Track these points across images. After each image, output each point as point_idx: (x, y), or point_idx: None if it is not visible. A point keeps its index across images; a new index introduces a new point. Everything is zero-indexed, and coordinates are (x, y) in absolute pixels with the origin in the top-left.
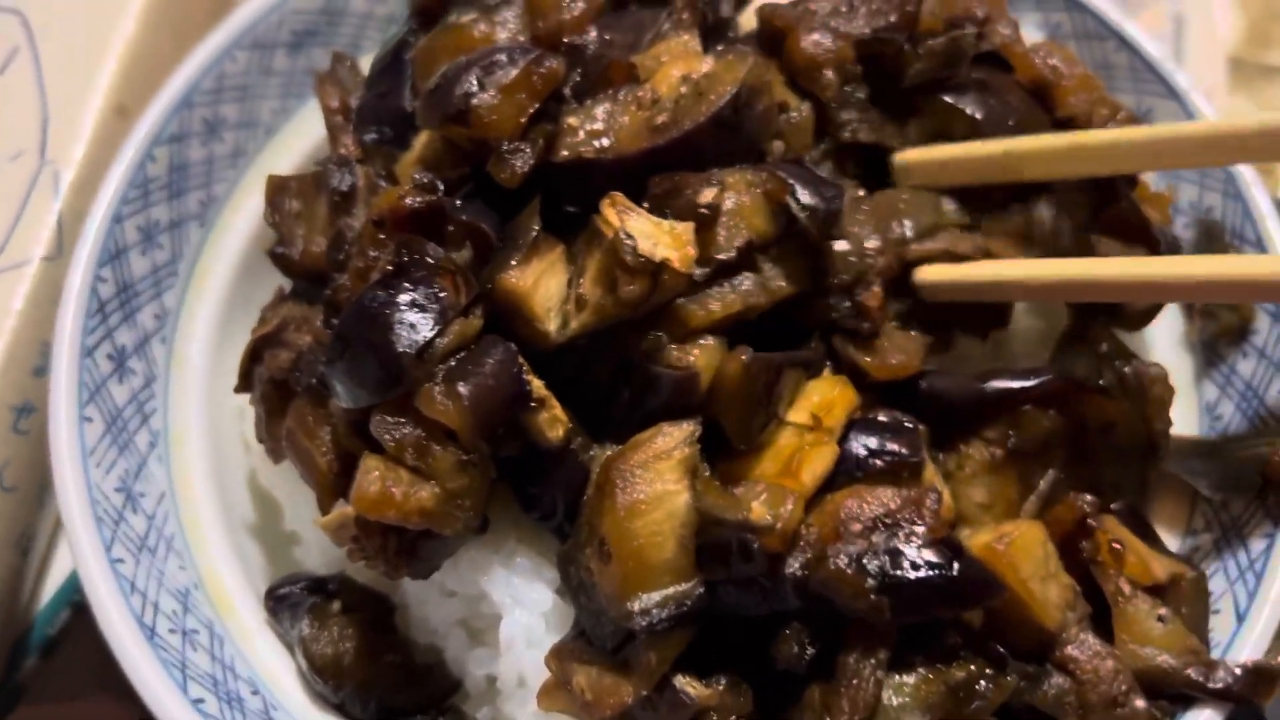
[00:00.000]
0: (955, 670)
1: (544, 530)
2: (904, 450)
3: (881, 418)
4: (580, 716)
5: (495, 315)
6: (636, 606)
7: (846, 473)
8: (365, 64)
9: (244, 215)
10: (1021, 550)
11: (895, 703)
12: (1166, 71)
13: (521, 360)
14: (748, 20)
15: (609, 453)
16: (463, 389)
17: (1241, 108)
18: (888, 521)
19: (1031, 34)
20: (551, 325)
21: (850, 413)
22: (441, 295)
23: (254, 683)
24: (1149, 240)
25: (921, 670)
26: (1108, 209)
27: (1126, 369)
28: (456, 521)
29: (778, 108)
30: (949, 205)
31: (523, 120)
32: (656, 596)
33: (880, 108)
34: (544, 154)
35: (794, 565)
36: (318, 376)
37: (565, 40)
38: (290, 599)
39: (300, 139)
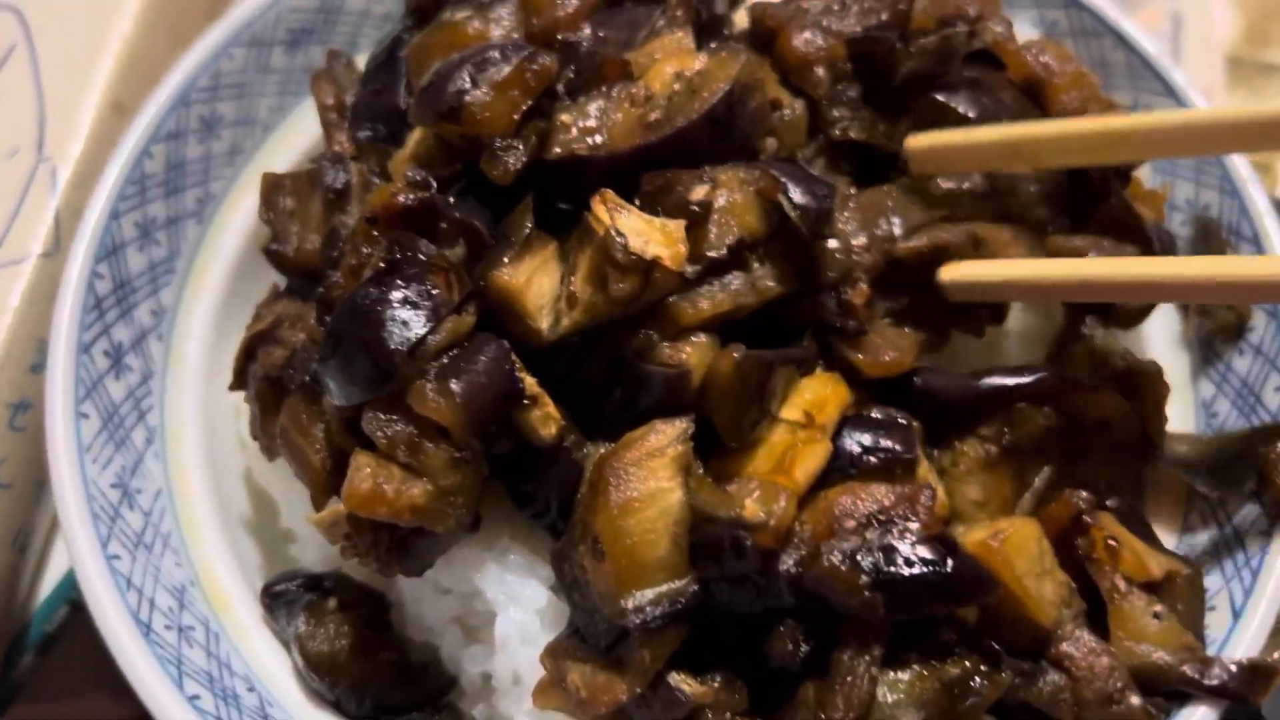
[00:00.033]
0: (950, 667)
1: (538, 528)
2: (898, 447)
3: (875, 415)
4: (575, 714)
5: (488, 313)
6: (630, 604)
7: (840, 470)
8: (362, 62)
9: (241, 213)
10: (1016, 547)
11: (890, 699)
12: (1163, 69)
13: (514, 357)
14: (741, 19)
15: (602, 451)
16: (455, 386)
17: (1238, 105)
18: (881, 518)
19: (1028, 31)
20: (544, 323)
21: (843, 410)
22: (434, 292)
23: (250, 679)
24: (1141, 238)
25: (916, 667)
26: (1099, 207)
27: (1122, 366)
28: (448, 519)
29: (770, 105)
30: (939, 200)
31: (515, 117)
32: (650, 594)
33: (873, 106)
34: (537, 151)
35: (788, 562)
36: (311, 374)
37: (559, 37)
38: (286, 596)
39: (297, 136)
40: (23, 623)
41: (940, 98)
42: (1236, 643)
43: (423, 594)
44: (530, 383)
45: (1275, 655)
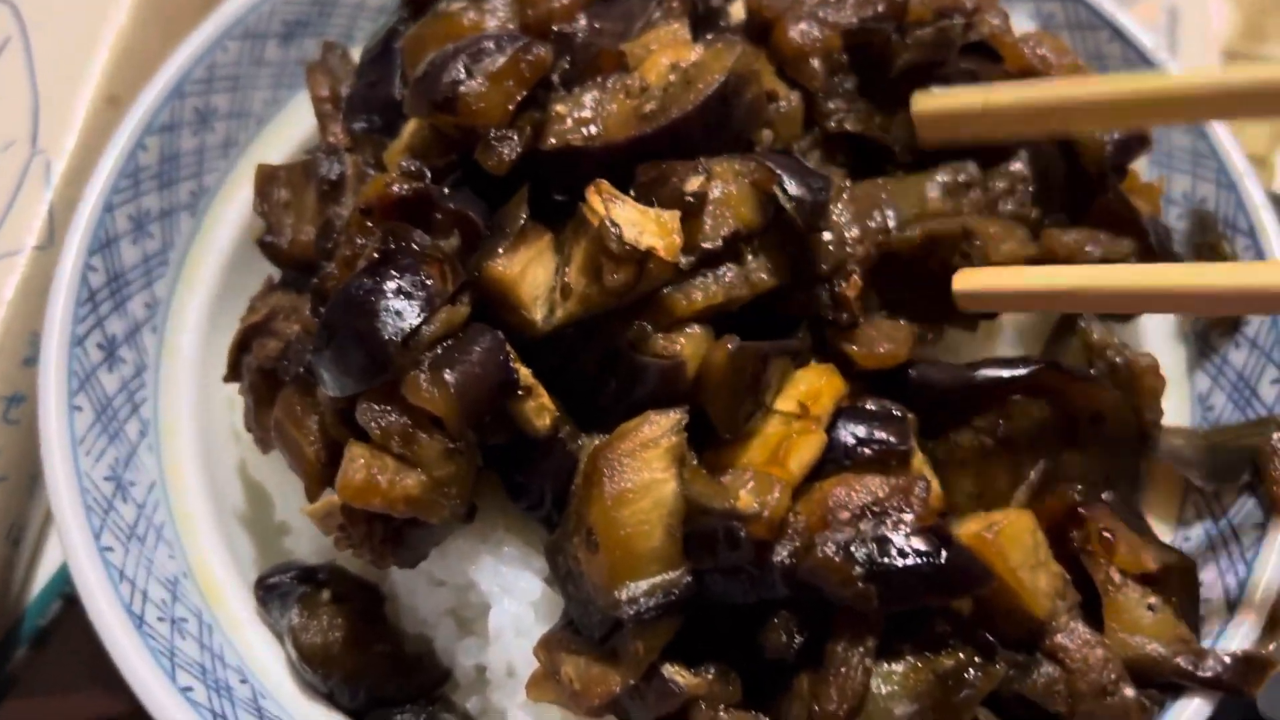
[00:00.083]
0: (944, 659)
1: (532, 519)
2: (892, 439)
3: (870, 406)
4: (568, 706)
5: (483, 304)
6: (624, 595)
7: (835, 461)
8: (357, 54)
9: (236, 206)
10: (1011, 539)
11: (884, 691)
12: (1160, 62)
13: (509, 348)
14: (737, 10)
15: (596, 442)
16: (449, 376)
17: None
18: (875, 510)
19: (1024, 24)
20: (538, 314)
21: (838, 401)
22: (428, 283)
23: (243, 671)
24: (1137, 231)
25: (910, 659)
26: (1095, 200)
27: (1118, 359)
28: (442, 509)
29: (766, 97)
30: (933, 192)
31: (510, 108)
32: (644, 585)
33: (869, 98)
34: (532, 142)
35: (782, 553)
36: (305, 365)
37: (554, 28)
38: (280, 588)
39: (292, 129)
40: (16, 617)
41: (937, 90)
42: (1231, 635)
43: (417, 586)
44: (525, 374)
45: (1269, 647)
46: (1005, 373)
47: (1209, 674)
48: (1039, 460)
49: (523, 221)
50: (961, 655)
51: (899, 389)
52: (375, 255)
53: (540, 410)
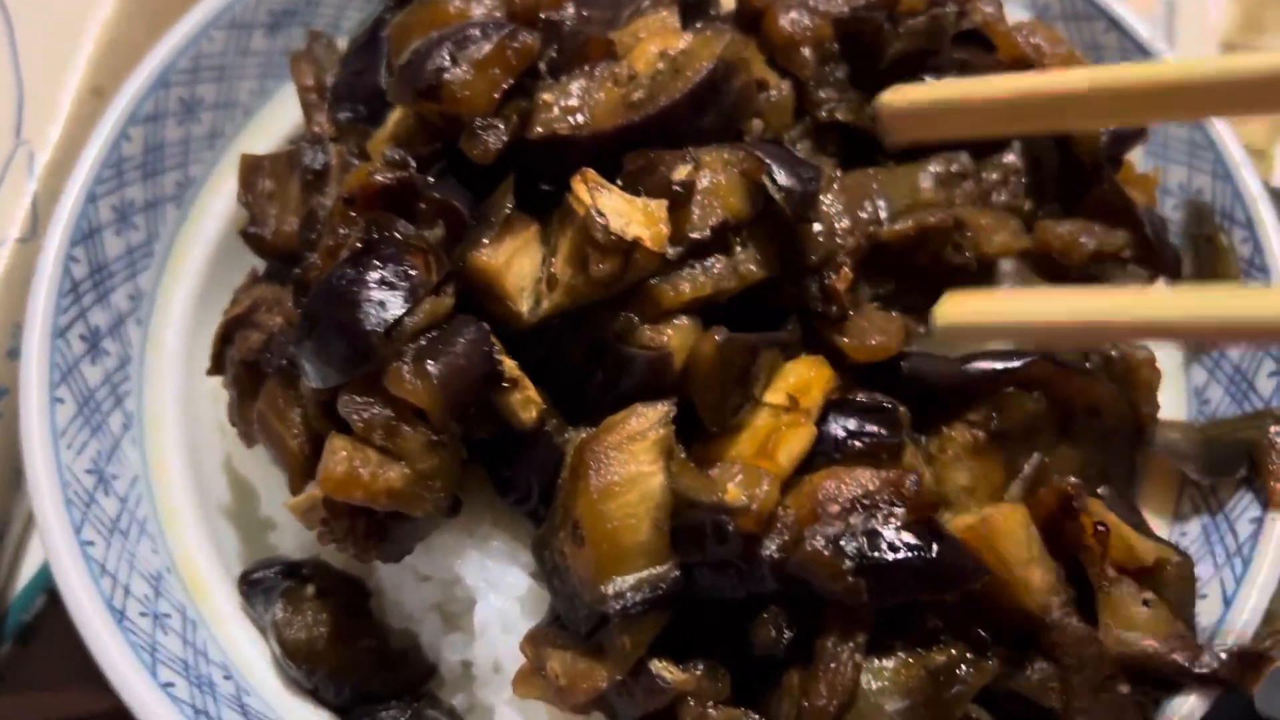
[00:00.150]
0: (935, 654)
1: (519, 514)
2: (883, 431)
3: (861, 399)
4: (554, 702)
5: (468, 295)
6: (610, 590)
7: (825, 454)
8: (345, 44)
9: (222, 197)
10: (1004, 533)
11: (874, 687)
12: (1156, 51)
13: (494, 339)
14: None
15: (583, 435)
16: (432, 368)
17: None
18: (866, 503)
19: (1018, 13)
20: (524, 305)
21: (828, 393)
22: (412, 273)
23: (226, 667)
24: (1133, 222)
25: (901, 654)
26: (1089, 191)
27: (1113, 352)
28: (426, 503)
29: (757, 86)
30: (926, 183)
31: (496, 96)
32: (631, 579)
33: (860, 87)
34: (518, 131)
35: (770, 547)
36: (288, 357)
37: (542, 16)
38: (264, 583)
39: (279, 120)
40: (0, 612)
41: (929, 79)
42: (1227, 631)
43: (402, 581)
44: (510, 365)
45: (1266, 643)
46: (999, 365)
47: (1205, 670)
48: (1033, 454)
49: (508, 211)
50: (953, 651)
51: (891, 381)
52: (358, 245)
53: (526, 403)
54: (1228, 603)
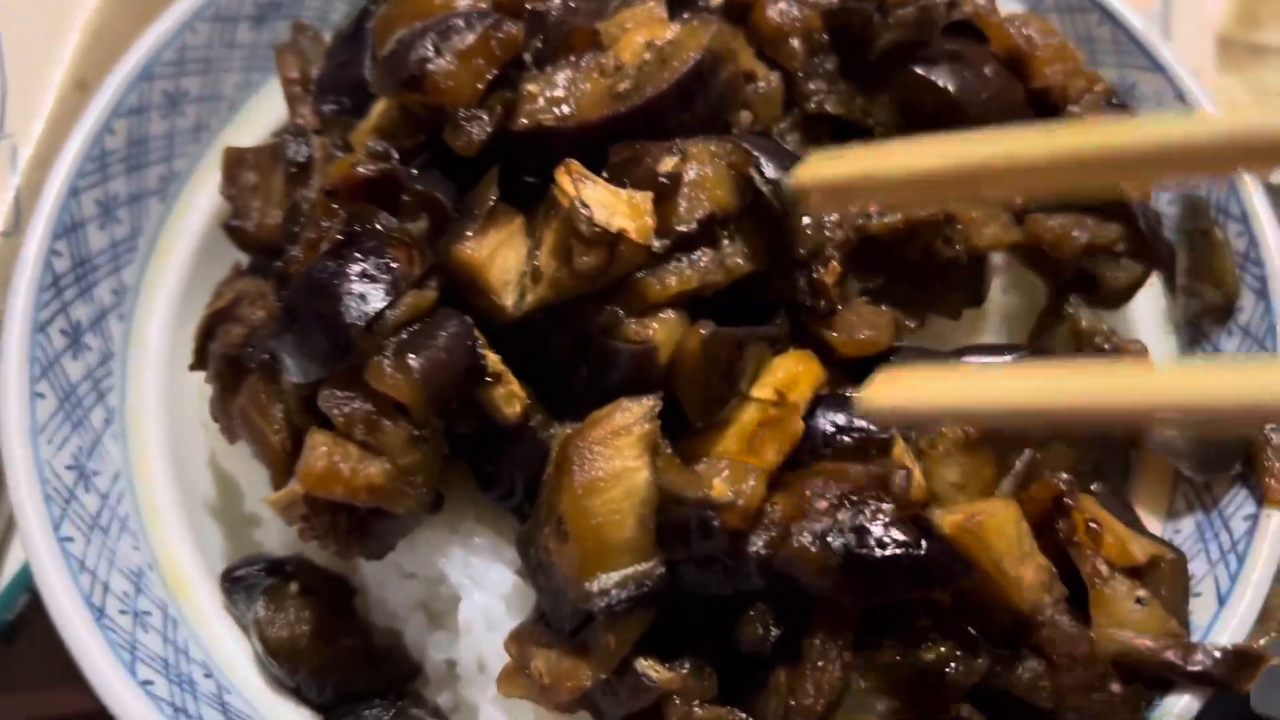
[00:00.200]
0: (924, 653)
1: (503, 510)
2: (872, 427)
3: (850, 393)
4: (538, 701)
5: (452, 288)
6: (595, 587)
7: (813, 450)
8: (331, 37)
9: (207, 191)
10: (994, 530)
11: (862, 686)
12: (1151, 44)
13: (477, 333)
14: None
15: (568, 430)
16: (414, 362)
17: (1229, 87)
18: (854, 499)
19: (1012, 6)
20: (508, 298)
21: (816, 388)
22: (393, 266)
23: (207, 665)
24: (1126, 215)
25: (890, 652)
26: None
27: (1106, 346)
28: (408, 499)
29: (745, 78)
30: None
31: (480, 87)
32: (615, 576)
33: (850, 79)
34: (502, 122)
35: (757, 543)
36: (270, 351)
37: (527, 6)
38: (246, 580)
39: (265, 114)
40: None
41: (919, 71)
42: (1221, 629)
43: (386, 578)
44: (493, 360)
45: (1260, 642)
46: (988, 360)
47: (1198, 668)
48: (1025, 450)
49: (492, 203)
50: (943, 649)
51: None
52: (339, 237)
53: (510, 397)
54: (1222, 601)
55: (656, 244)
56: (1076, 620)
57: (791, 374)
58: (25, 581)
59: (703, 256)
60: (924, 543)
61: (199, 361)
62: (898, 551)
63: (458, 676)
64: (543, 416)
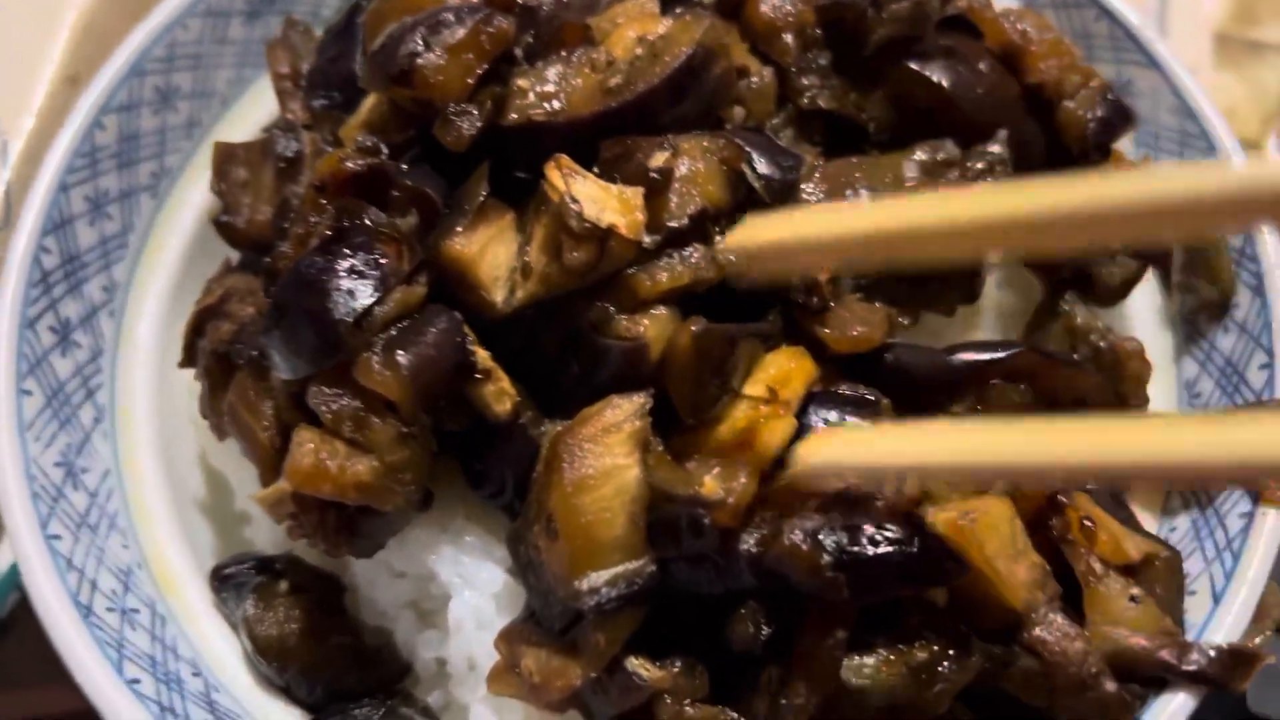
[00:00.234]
0: (917, 651)
1: (494, 508)
2: (864, 424)
3: (843, 391)
4: (528, 700)
5: (441, 284)
6: (585, 585)
7: None
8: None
9: (199, 188)
10: (987, 527)
11: (854, 684)
12: (1147, 40)
13: (467, 330)
14: None
15: (559, 428)
16: (402, 359)
17: (1226, 84)
18: (846, 497)
19: (1009, 1)
20: (498, 295)
21: (809, 385)
22: (382, 262)
23: (196, 664)
24: None
25: (882, 651)
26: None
27: (1101, 343)
28: (396, 496)
29: (737, 73)
30: (910, 172)
31: (470, 81)
32: (606, 575)
33: (844, 74)
34: (493, 117)
35: (748, 541)
36: (259, 348)
37: (519, 1)
38: (236, 578)
39: (258, 110)
40: None
41: (913, 66)
42: (1216, 627)
43: (376, 577)
44: (483, 356)
45: (1256, 640)
46: (984, 356)
47: (1193, 667)
48: None
49: (482, 199)
50: (936, 648)
51: (874, 373)
52: (328, 233)
53: (500, 394)
54: (1217, 599)
55: (647, 240)
56: (1070, 619)
57: (784, 371)
58: (14, 580)
59: (694, 252)
60: (916, 540)
61: (188, 358)
62: (890, 549)
63: (448, 675)
64: (533, 414)
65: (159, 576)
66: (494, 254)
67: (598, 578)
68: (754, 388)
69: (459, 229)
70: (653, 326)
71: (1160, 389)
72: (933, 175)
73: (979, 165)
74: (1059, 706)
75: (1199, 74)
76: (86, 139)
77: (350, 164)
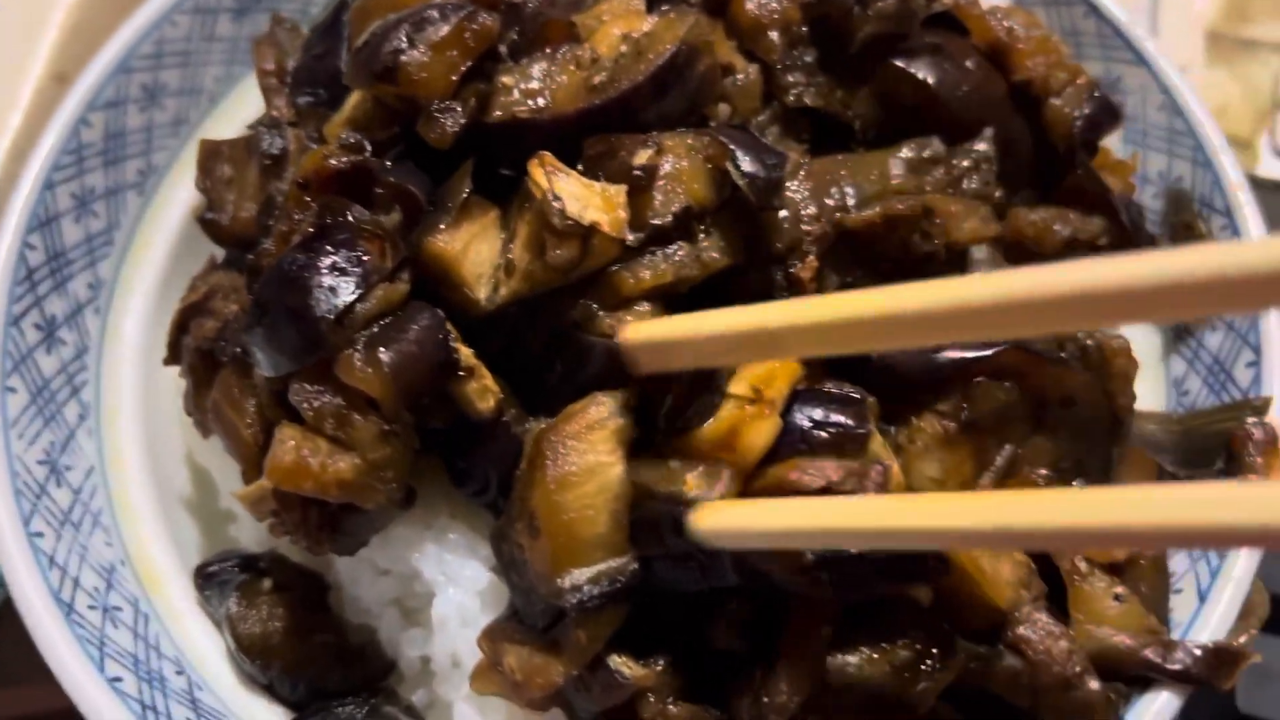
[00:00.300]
0: (900, 649)
1: (478, 506)
2: (849, 422)
3: (828, 389)
4: (510, 698)
5: (425, 282)
6: (567, 583)
7: (790, 445)
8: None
9: (186, 186)
10: None
11: (838, 682)
12: (1135, 37)
13: (449, 327)
14: None
15: (543, 425)
16: (384, 356)
17: (1218, 81)
18: (827, 494)
19: None
20: (482, 292)
21: (794, 383)
22: (365, 259)
23: (179, 662)
24: (1108, 209)
25: (865, 649)
26: (1064, 177)
27: (1089, 341)
28: (378, 494)
29: (723, 70)
30: (896, 169)
31: (454, 79)
32: (588, 572)
33: (830, 72)
34: (477, 114)
35: None
36: (242, 345)
37: None
38: (219, 576)
39: (245, 107)
40: None
41: (899, 63)
42: (1202, 626)
43: (360, 575)
44: (466, 354)
45: (1241, 639)
46: (969, 354)
47: (1178, 666)
48: (1005, 445)
49: (465, 196)
50: (919, 646)
51: (859, 371)
52: (310, 230)
53: (483, 392)
54: (1202, 598)
55: (630, 237)
56: (1055, 617)
57: (769, 370)
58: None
59: (678, 250)
60: None
61: (173, 355)
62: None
63: (432, 673)
64: (516, 411)
65: (142, 574)
66: (477, 251)
67: (580, 575)
68: (739, 387)
69: (442, 226)
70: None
71: (1148, 387)
72: (918, 173)
73: (965, 163)
74: (1043, 706)
75: (1191, 71)
76: (73, 136)
77: (333, 161)
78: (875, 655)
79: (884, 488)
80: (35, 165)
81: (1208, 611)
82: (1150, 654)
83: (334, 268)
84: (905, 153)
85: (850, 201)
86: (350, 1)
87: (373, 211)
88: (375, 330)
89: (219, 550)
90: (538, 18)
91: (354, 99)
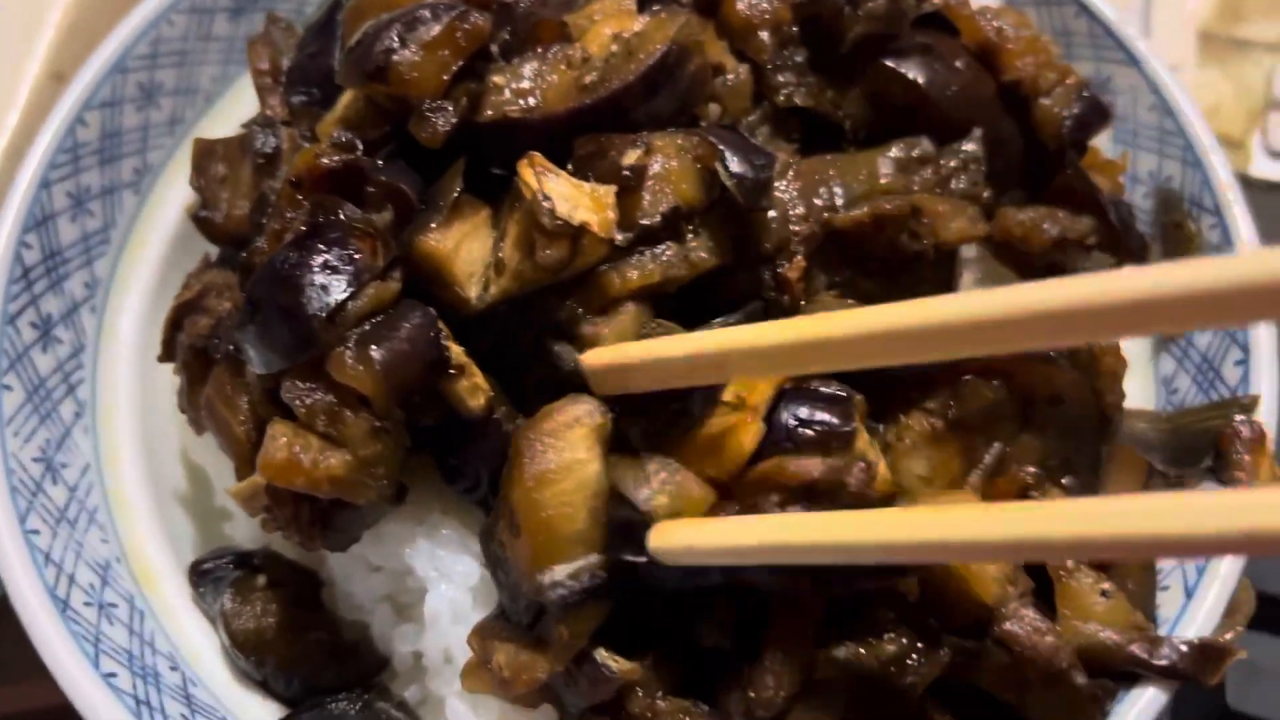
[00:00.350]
0: (886, 644)
1: (469, 502)
2: (834, 420)
3: (814, 387)
4: (498, 695)
5: (416, 280)
6: (547, 579)
7: (776, 443)
8: None
9: (182, 185)
10: None
11: (823, 677)
12: (1126, 37)
13: (441, 325)
14: None
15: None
16: (375, 353)
17: (1211, 81)
18: (810, 491)
19: None
20: (472, 291)
21: (778, 385)
22: (356, 257)
23: (174, 658)
24: (1097, 209)
25: (851, 645)
26: (1053, 177)
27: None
28: (370, 490)
29: (713, 70)
30: (885, 169)
31: (445, 78)
32: (568, 568)
33: (820, 72)
34: (468, 113)
35: None
36: (235, 342)
37: None
38: (214, 573)
39: (241, 107)
40: None
41: (889, 63)
42: (1188, 622)
43: (353, 571)
44: (457, 352)
45: (1227, 635)
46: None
47: (1164, 662)
48: (993, 443)
49: (457, 195)
50: (904, 641)
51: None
52: (302, 228)
53: (474, 390)
54: (1189, 594)
55: (619, 237)
56: (1042, 613)
57: None
58: None
59: (666, 250)
60: None
61: (167, 353)
62: None
63: (424, 669)
64: (507, 409)
65: (138, 571)
66: (468, 250)
67: (560, 571)
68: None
69: (434, 225)
70: (613, 329)
71: (1137, 385)
72: (907, 173)
73: (953, 163)
74: (1030, 701)
75: (1183, 71)
76: (69, 135)
77: (325, 160)
78: (862, 650)
79: (867, 485)
80: (31, 164)
81: (1194, 608)
82: (1137, 650)
83: (326, 266)
84: (894, 152)
85: (839, 201)
86: (344, 1)
87: (365, 210)
88: (367, 328)
89: (214, 547)
90: (529, 17)
91: (346, 98)
